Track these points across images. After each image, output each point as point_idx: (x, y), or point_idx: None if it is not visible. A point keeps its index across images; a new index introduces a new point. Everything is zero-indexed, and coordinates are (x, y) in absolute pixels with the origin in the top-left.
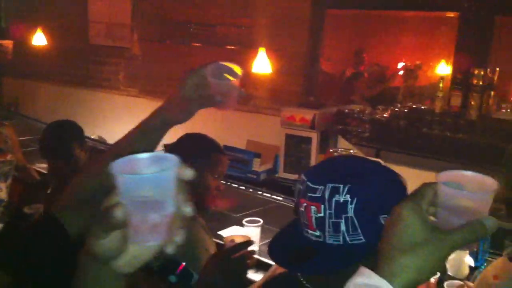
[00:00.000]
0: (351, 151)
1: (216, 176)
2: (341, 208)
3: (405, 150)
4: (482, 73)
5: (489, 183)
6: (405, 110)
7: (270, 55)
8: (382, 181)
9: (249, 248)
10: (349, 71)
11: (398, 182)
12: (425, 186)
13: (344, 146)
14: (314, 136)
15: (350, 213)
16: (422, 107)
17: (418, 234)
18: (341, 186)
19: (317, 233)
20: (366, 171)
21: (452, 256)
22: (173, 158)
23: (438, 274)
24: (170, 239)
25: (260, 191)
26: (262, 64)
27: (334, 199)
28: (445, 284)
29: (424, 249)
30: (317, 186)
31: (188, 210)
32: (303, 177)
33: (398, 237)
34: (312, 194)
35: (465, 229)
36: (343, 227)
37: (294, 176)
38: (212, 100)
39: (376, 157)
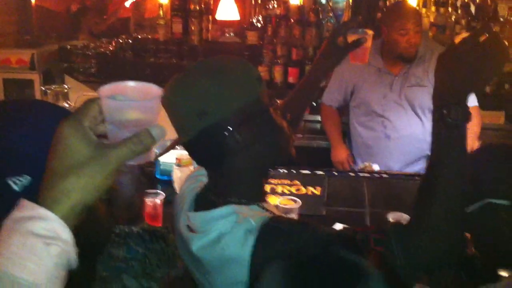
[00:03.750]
0: (65, 86)
1: None
2: None
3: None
4: None
5: (154, 90)
6: (130, 41)
7: None
8: None
9: None
10: (74, 6)
11: None
12: (87, 102)
13: (71, 84)
14: (36, 78)
15: None
16: (147, 37)
17: (80, 153)
18: None
19: None
20: None
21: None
22: None
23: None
24: None
25: None
26: None
27: None
28: None
29: (88, 168)
30: None
31: None
32: None
33: (59, 160)
34: None
35: (130, 141)
36: None
37: None
38: None
39: None
